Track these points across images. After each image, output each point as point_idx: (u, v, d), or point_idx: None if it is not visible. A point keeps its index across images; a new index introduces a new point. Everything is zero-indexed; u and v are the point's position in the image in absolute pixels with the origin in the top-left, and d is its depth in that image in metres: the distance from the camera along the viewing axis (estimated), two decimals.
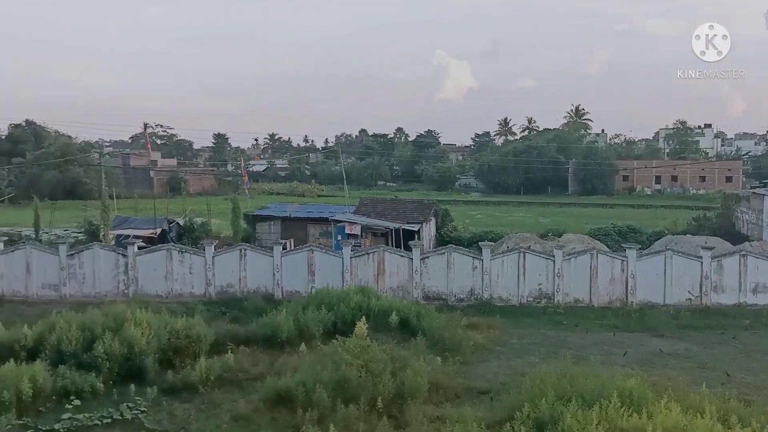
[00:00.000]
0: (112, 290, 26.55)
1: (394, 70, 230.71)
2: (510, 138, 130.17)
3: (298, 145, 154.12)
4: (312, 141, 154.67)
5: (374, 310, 20.32)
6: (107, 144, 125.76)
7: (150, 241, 31.91)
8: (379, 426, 12.66)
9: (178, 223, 38.24)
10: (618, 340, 20.88)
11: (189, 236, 36.35)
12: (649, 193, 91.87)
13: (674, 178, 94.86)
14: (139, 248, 27.36)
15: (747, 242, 32.49)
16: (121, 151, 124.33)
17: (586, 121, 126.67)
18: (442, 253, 26.43)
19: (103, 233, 35.17)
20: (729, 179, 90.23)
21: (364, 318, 15.99)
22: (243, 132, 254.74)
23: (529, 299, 25.60)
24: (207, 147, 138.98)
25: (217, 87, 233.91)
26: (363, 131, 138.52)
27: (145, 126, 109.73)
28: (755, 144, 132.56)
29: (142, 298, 24.07)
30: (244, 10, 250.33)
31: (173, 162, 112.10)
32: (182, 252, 27.00)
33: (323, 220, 36.51)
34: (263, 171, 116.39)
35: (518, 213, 64.42)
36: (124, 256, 26.75)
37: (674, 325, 22.79)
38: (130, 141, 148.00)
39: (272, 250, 26.70)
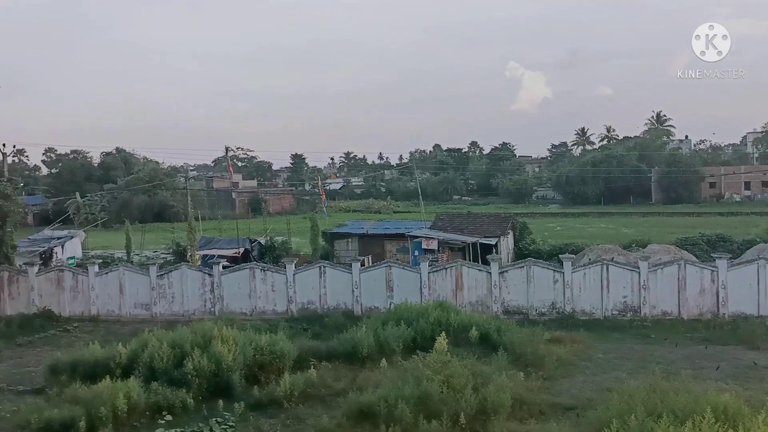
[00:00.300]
0: (199, 308, 27.49)
1: (466, 83, 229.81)
2: (588, 147, 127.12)
3: (373, 162, 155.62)
4: (386, 158, 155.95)
5: (453, 325, 20.18)
6: (191, 168, 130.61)
7: (234, 261, 32.93)
8: None
9: (259, 242, 39.26)
10: (710, 353, 19.96)
11: (270, 255, 37.23)
12: (738, 199, 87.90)
13: (765, 184, 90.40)
14: (224, 267, 28.25)
15: None
16: (204, 174, 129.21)
17: (668, 128, 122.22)
18: (521, 267, 26.05)
19: (189, 254, 36.55)
20: None
21: (443, 333, 15.94)
22: (319, 152, 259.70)
23: (613, 312, 24.86)
24: (285, 167, 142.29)
25: (291, 107, 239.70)
26: (437, 146, 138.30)
27: (227, 149, 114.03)
28: None
29: (228, 315, 24.65)
30: (316, 28, 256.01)
31: (253, 183, 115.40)
32: (264, 270, 27.70)
33: (400, 236, 36.70)
34: (339, 189, 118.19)
35: (599, 224, 62.70)
36: (210, 275, 27.69)
37: None
38: (212, 164, 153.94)
39: (351, 266, 27.03)
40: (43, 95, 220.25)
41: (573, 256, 28.31)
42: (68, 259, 37.07)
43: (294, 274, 27.05)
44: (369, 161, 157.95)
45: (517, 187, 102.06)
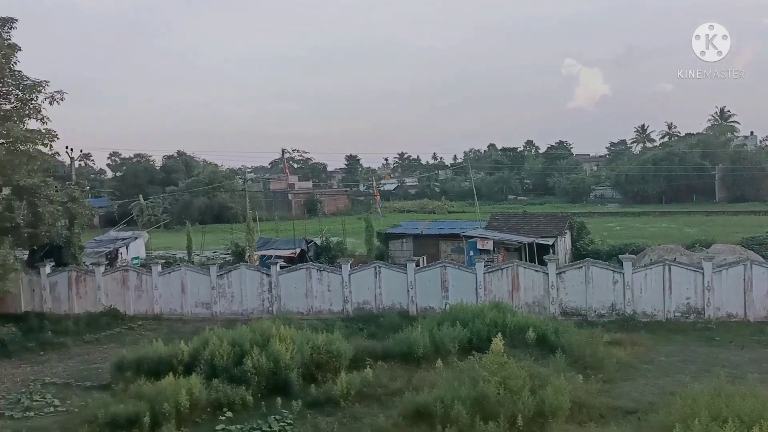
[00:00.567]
0: (257, 307, 28.01)
1: (521, 81, 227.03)
2: (648, 145, 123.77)
3: (427, 162, 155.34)
4: (440, 158, 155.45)
5: (510, 326, 20.04)
6: (249, 170, 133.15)
7: (290, 261, 33.39)
8: None
9: (315, 242, 39.67)
10: None
11: (326, 255, 37.57)
12: None
13: None
14: (281, 267, 28.71)
15: None
16: (261, 176, 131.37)
17: (732, 124, 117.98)
18: (579, 267, 25.61)
19: (248, 254, 37.28)
20: None
21: (499, 334, 15.84)
22: (373, 152, 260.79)
23: (676, 314, 24.19)
24: (340, 168, 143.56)
25: (346, 108, 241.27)
26: (492, 146, 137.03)
27: (283, 152, 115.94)
28: None
29: (285, 314, 25.03)
30: (369, 30, 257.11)
31: (309, 184, 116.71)
32: (320, 270, 28.02)
33: (455, 237, 36.51)
34: (394, 189, 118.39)
35: (660, 223, 61.07)
36: (268, 275, 28.19)
37: None
38: (269, 166, 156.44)
39: (406, 267, 27.09)
40: (107, 101, 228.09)
41: (633, 256, 27.65)
42: (132, 259, 38.26)
43: (349, 275, 27.29)
44: (423, 161, 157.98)
45: (574, 186, 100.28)
